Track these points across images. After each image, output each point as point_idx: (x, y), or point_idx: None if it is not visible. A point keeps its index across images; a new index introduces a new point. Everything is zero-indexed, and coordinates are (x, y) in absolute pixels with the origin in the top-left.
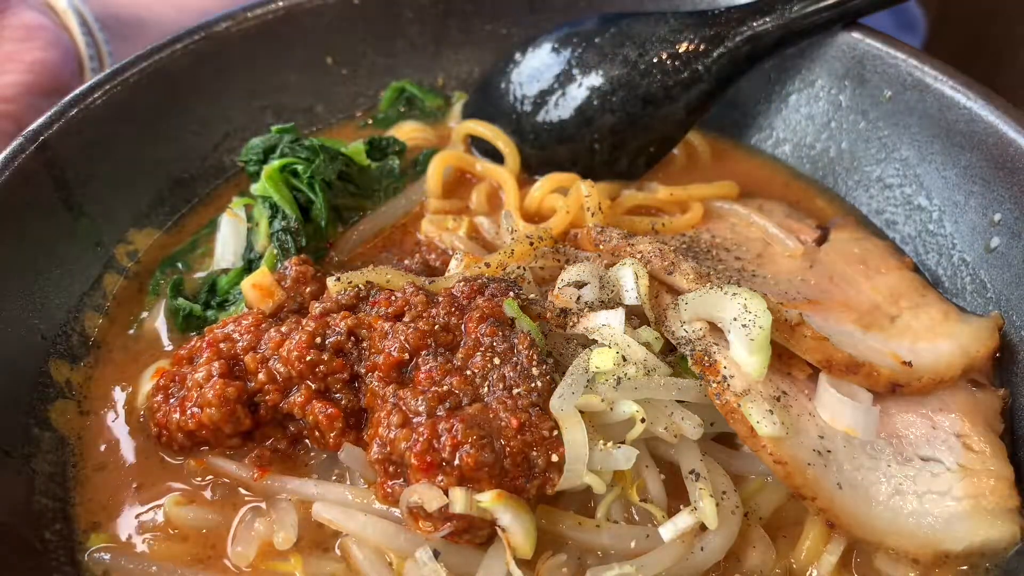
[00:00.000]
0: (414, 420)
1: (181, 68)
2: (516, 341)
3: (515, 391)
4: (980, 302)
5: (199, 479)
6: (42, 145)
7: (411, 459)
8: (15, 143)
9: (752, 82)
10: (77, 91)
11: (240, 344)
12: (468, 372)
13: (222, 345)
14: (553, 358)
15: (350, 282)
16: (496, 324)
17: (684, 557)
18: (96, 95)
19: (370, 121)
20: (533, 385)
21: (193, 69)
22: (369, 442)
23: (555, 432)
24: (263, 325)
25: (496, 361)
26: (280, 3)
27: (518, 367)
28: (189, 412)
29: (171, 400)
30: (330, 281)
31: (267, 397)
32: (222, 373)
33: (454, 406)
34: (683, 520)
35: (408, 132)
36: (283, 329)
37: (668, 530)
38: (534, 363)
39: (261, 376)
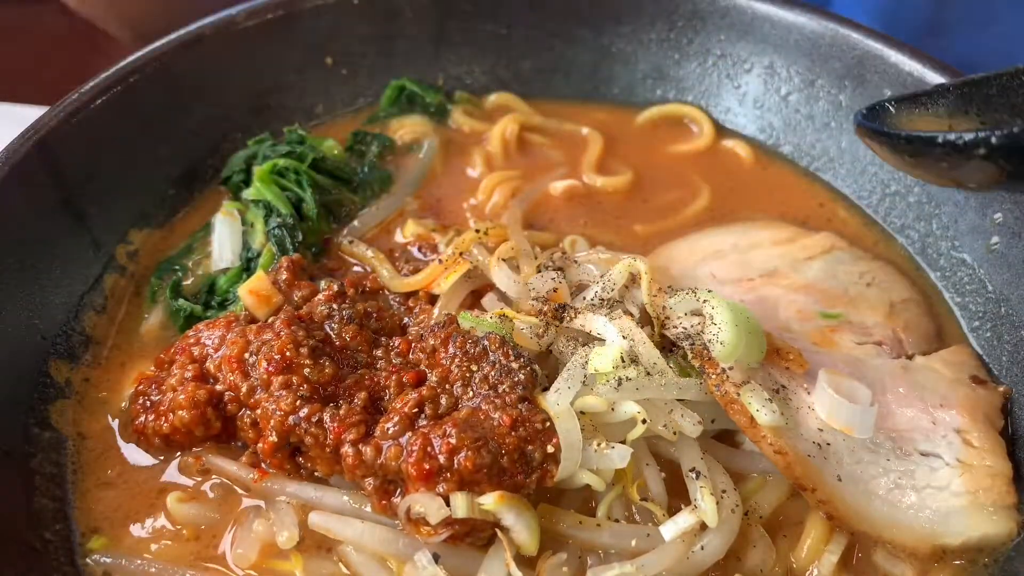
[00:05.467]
0: (400, 439)
1: (181, 68)
2: (487, 343)
3: (500, 388)
4: (980, 302)
5: (199, 478)
6: (42, 145)
7: (409, 470)
8: (15, 143)
9: (752, 82)
10: (77, 91)
11: (209, 348)
12: (447, 385)
13: (194, 349)
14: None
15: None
16: (461, 337)
17: (684, 556)
18: (96, 95)
19: (370, 119)
20: (516, 379)
21: (193, 69)
22: (356, 479)
23: (548, 423)
24: (234, 328)
25: (473, 367)
26: (280, 3)
27: (496, 365)
28: (163, 416)
29: (147, 404)
30: (322, 286)
31: (228, 404)
32: (194, 377)
33: (432, 415)
34: (684, 519)
35: (412, 126)
36: (250, 336)
37: (669, 529)
38: (511, 358)
39: (231, 379)
